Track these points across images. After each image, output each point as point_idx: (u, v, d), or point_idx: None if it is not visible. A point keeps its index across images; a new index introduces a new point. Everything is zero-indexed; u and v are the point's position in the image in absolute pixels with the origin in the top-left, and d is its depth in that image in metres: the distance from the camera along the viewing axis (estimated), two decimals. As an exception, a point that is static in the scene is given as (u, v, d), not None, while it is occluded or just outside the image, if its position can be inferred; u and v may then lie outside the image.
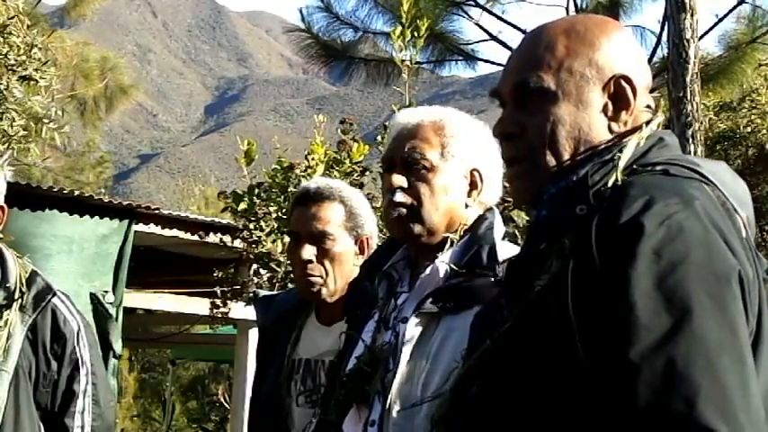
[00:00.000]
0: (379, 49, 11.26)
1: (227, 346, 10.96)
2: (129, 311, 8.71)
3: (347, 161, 5.68)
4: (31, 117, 7.34)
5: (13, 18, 6.91)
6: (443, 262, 2.09)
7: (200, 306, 8.40)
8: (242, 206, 5.71)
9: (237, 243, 6.11)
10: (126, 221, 7.42)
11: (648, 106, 1.52)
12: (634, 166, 1.41)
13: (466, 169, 2.16)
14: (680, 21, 7.17)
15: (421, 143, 2.13)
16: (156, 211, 7.97)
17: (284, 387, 2.60)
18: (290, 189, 5.47)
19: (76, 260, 7.02)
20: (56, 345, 2.73)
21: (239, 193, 5.78)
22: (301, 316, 2.68)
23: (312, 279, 2.57)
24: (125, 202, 7.72)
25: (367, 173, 5.80)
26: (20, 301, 2.69)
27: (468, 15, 10.66)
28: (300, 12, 11.18)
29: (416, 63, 5.87)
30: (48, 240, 6.87)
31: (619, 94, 1.48)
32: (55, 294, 2.75)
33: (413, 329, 2.04)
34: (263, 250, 5.61)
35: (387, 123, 5.70)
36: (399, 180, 2.12)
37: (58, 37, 13.05)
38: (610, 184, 1.39)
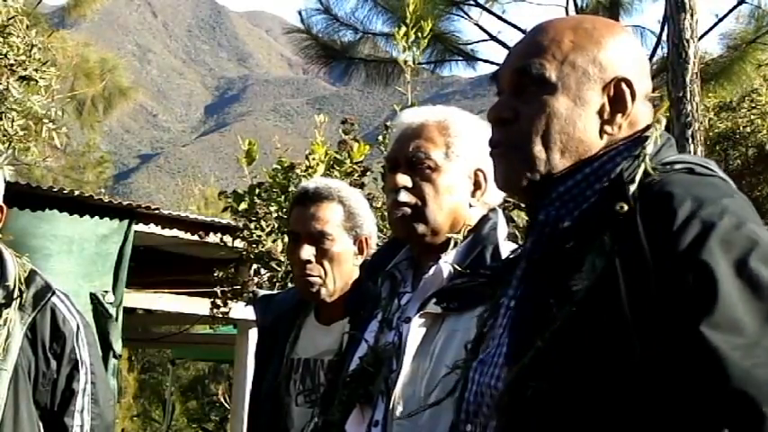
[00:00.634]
0: (378, 49, 11.25)
1: (227, 346, 10.95)
2: (129, 311, 8.71)
3: (348, 161, 5.68)
4: (30, 117, 7.33)
5: (12, 18, 6.91)
6: (447, 262, 2.08)
7: (200, 306, 8.40)
8: (242, 206, 5.71)
9: (237, 243, 6.11)
10: (126, 221, 7.42)
11: (655, 103, 1.52)
12: (653, 164, 1.42)
13: (470, 169, 2.16)
14: (680, 21, 7.17)
15: (425, 143, 2.13)
16: (156, 211, 7.97)
17: (283, 387, 2.60)
18: (291, 189, 5.47)
19: (76, 260, 7.02)
20: (55, 344, 2.73)
21: (239, 192, 5.78)
22: (300, 315, 2.68)
23: (311, 279, 2.57)
24: (125, 202, 7.72)
25: (368, 173, 5.80)
26: (19, 300, 2.69)
27: (468, 15, 10.66)
28: (300, 14, 11.18)
29: (418, 63, 5.86)
30: (48, 240, 6.87)
31: (618, 96, 1.48)
32: (54, 293, 2.75)
33: (416, 330, 2.04)
34: (264, 250, 5.61)
35: (387, 123, 5.70)
36: (403, 180, 2.12)
37: (59, 37, 13.04)
38: (638, 178, 1.39)
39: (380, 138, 5.60)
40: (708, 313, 1.25)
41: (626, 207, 1.35)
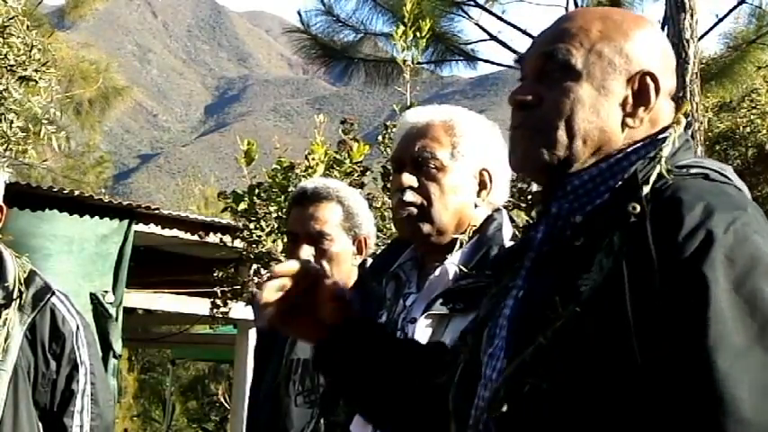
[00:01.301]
0: (378, 49, 11.25)
1: (227, 346, 10.96)
2: (129, 311, 8.71)
3: (347, 161, 5.68)
4: (30, 118, 7.34)
5: (12, 18, 6.91)
6: (453, 263, 2.08)
7: (200, 306, 8.40)
8: (242, 206, 5.72)
9: (237, 243, 6.11)
10: (126, 221, 7.43)
11: (677, 102, 1.52)
12: (669, 166, 1.41)
13: (475, 169, 2.15)
14: (680, 21, 7.16)
15: (431, 143, 2.13)
16: (156, 211, 7.97)
17: (283, 387, 2.60)
18: (291, 189, 5.47)
19: (76, 260, 7.02)
20: (54, 344, 2.73)
21: (239, 193, 5.78)
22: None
23: (310, 279, 2.56)
24: (125, 202, 7.72)
25: (367, 173, 5.80)
26: (19, 300, 2.69)
27: (468, 15, 10.66)
28: (299, 14, 11.17)
29: (418, 63, 5.87)
30: (48, 240, 6.87)
31: (641, 89, 1.47)
32: (54, 294, 2.75)
33: (422, 331, 2.03)
34: (264, 250, 5.61)
35: (387, 123, 5.71)
36: (409, 180, 2.12)
37: (57, 38, 13.05)
38: (652, 179, 1.38)
39: (380, 138, 5.60)
40: (698, 326, 1.25)
41: (638, 208, 1.34)
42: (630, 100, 1.47)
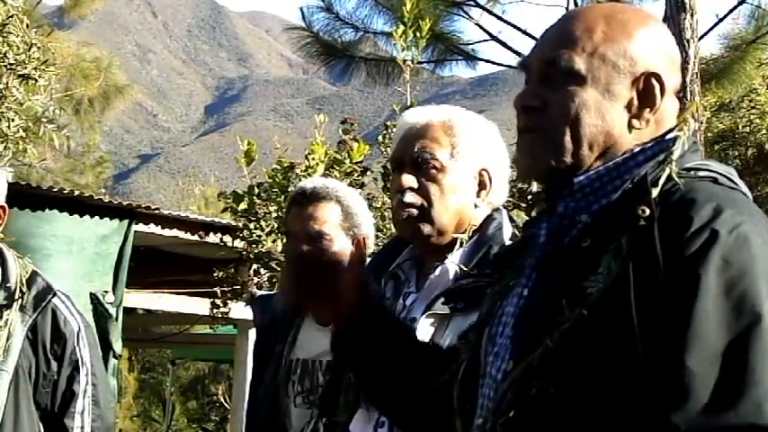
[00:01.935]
0: (379, 48, 11.25)
1: (227, 346, 10.96)
2: (129, 311, 8.71)
3: (347, 161, 5.68)
4: (30, 117, 7.33)
5: (12, 17, 6.91)
6: (453, 262, 2.08)
7: (200, 306, 8.40)
8: (242, 206, 5.72)
9: (237, 243, 6.11)
10: (126, 221, 7.42)
11: (682, 104, 1.52)
12: (677, 169, 1.41)
13: (475, 169, 2.15)
14: (680, 21, 7.16)
15: (431, 143, 2.12)
16: (156, 211, 7.97)
17: (282, 388, 2.60)
18: (291, 189, 5.48)
19: (76, 260, 7.02)
20: (56, 345, 2.72)
21: (239, 193, 5.79)
22: (298, 316, 2.67)
23: (309, 279, 2.56)
24: (125, 202, 7.72)
25: (367, 173, 5.80)
26: (20, 301, 2.68)
27: (469, 15, 10.66)
28: (301, 10, 11.17)
29: (418, 63, 5.87)
30: (48, 240, 6.86)
31: (647, 90, 1.46)
32: (55, 294, 2.75)
33: (423, 330, 2.03)
34: (263, 250, 5.62)
35: (387, 123, 5.71)
36: (409, 180, 2.11)
37: (56, 37, 13.04)
38: (661, 182, 1.38)
39: (380, 138, 5.61)
40: (680, 324, 1.26)
41: (647, 211, 1.34)
42: (636, 102, 1.46)
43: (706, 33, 9.07)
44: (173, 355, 16.08)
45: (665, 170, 1.40)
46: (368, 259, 2.59)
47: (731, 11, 10.54)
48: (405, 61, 5.63)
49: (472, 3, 10.59)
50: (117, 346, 6.88)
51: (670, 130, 1.47)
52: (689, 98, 6.99)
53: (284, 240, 5.35)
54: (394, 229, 5.25)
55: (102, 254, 7.26)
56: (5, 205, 2.77)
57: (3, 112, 6.84)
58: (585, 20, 1.49)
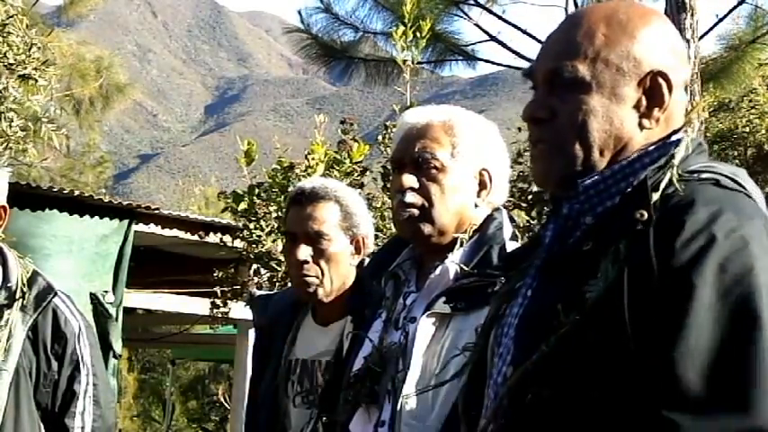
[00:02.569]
0: (378, 49, 11.24)
1: (227, 346, 10.95)
2: (129, 311, 8.71)
3: (347, 161, 5.68)
4: (30, 117, 7.34)
5: (12, 17, 6.91)
6: (453, 262, 2.08)
7: (200, 306, 8.40)
8: (242, 206, 5.72)
9: (237, 243, 6.11)
10: (126, 221, 7.42)
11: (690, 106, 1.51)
12: (679, 172, 1.40)
13: (475, 169, 2.16)
14: (680, 21, 7.17)
15: (431, 143, 2.13)
16: (156, 211, 7.97)
17: (281, 387, 2.60)
18: (291, 189, 5.48)
19: (76, 260, 7.02)
20: (56, 345, 2.72)
21: (239, 193, 5.79)
22: (298, 316, 2.67)
23: (308, 279, 2.56)
24: (125, 202, 7.72)
25: (367, 173, 5.80)
26: (21, 300, 2.69)
27: (468, 16, 10.66)
28: (299, 13, 11.17)
29: (417, 63, 5.87)
30: (48, 240, 6.87)
31: (654, 90, 1.45)
32: (56, 294, 2.75)
33: (425, 329, 2.03)
34: (264, 250, 5.61)
35: (387, 123, 5.71)
36: (410, 180, 2.12)
37: (56, 37, 13.03)
38: (662, 186, 1.37)
39: (380, 138, 5.61)
40: (674, 332, 1.26)
41: (645, 215, 1.34)
42: (644, 102, 1.45)
43: (706, 33, 9.07)
44: (173, 355, 16.08)
45: (666, 174, 1.39)
46: (367, 259, 2.60)
47: (731, 11, 10.54)
48: (404, 61, 5.63)
49: (472, 2, 10.59)
50: (117, 346, 6.88)
51: (676, 131, 1.47)
52: (690, 99, 6.99)
53: (284, 240, 5.36)
54: (394, 229, 5.25)
55: (102, 254, 7.26)
56: (6, 205, 2.77)
57: (2, 112, 6.84)
58: (585, 24, 1.48)
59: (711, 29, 10.04)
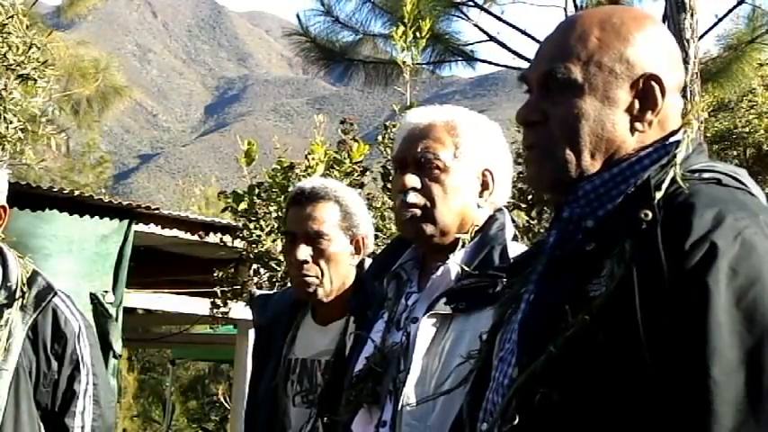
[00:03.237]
0: (378, 50, 11.25)
1: (227, 346, 10.96)
2: (129, 311, 8.71)
3: (347, 161, 5.69)
4: (29, 118, 7.34)
5: (11, 18, 6.91)
6: (455, 263, 2.09)
7: (200, 306, 8.41)
8: (242, 206, 5.73)
9: (237, 243, 6.12)
10: (126, 221, 7.42)
11: (685, 107, 1.51)
12: (681, 171, 1.40)
13: (478, 169, 2.16)
14: (680, 21, 7.17)
15: (434, 143, 2.13)
16: (156, 211, 7.97)
17: (281, 387, 2.60)
18: (291, 189, 5.48)
19: (76, 260, 7.02)
20: (56, 344, 2.73)
21: (239, 192, 5.79)
22: (297, 316, 2.68)
23: (308, 279, 2.57)
24: (125, 202, 7.72)
25: (367, 173, 5.81)
26: (21, 300, 2.69)
27: (467, 16, 10.66)
28: (298, 17, 11.17)
29: (417, 64, 5.87)
30: (48, 240, 6.87)
31: (647, 93, 1.45)
32: (56, 294, 2.75)
33: (425, 330, 2.03)
34: (263, 250, 5.62)
35: (387, 123, 5.72)
36: (412, 181, 2.12)
37: (57, 37, 13.02)
38: (665, 185, 1.37)
39: (380, 138, 5.61)
40: (697, 338, 1.26)
41: (650, 215, 1.34)
42: (637, 105, 1.45)
43: (705, 33, 9.08)
44: (173, 355, 16.07)
45: (668, 173, 1.39)
46: (367, 259, 2.61)
47: (730, 11, 10.55)
48: (404, 62, 5.64)
49: (471, 3, 10.60)
50: (117, 346, 6.89)
51: (674, 132, 1.46)
52: (689, 98, 6.99)
53: (284, 240, 5.36)
54: (394, 229, 5.26)
55: (102, 254, 7.26)
56: (6, 205, 2.77)
57: (1, 113, 6.84)
58: (579, 28, 1.49)
59: (711, 29, 10.05)
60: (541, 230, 5.93)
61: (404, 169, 2.15)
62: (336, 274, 2.57)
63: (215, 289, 6.21)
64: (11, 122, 6.79)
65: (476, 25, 10.62)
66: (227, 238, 6.43)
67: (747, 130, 12.61)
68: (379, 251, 2.55)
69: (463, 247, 2.12)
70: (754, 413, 1.23)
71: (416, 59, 5.79)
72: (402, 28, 5.62)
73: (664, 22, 7.49)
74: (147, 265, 8.59)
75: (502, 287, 1.68)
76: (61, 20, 17.29)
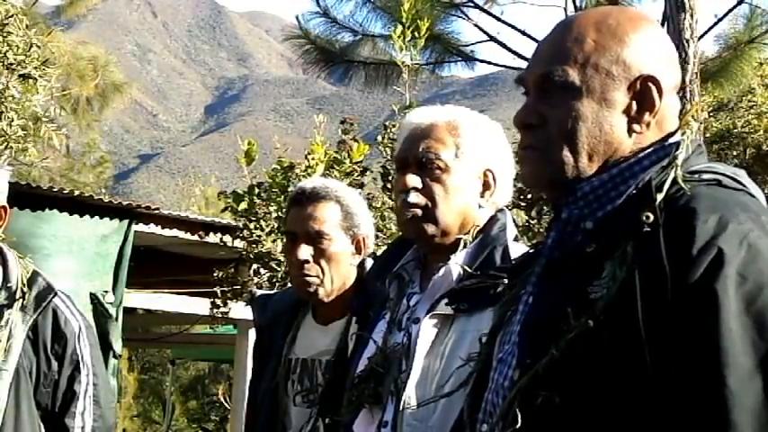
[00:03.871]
0: (377, 51, 11.25)
1: (227, 346, 10.96)
2: (129, 311, 8.71)
3: (347, 161, 5.69)
4: (30, 117, 7.34)
5: (12, 17, 6.91)
6: (457, 263, 2.09)
7: (200, 306, 8.41)
8: (242, 206, 5.73)
9: (237, 243, 6.12)
10: (126, 221, 7.43)
11: (682, 104, 1.51)
12: (682, 172, 1.40)
13: (479, 170, 2.16)
14: (679, 21, 7.17)
15: (435, 143, 2.13)
16: (156, 211, 7.97)
17: (281, 387, 2.60)
18: (291, 189, 5.48)
19: (76, 260, 7.02)
20: (56, 345, 2.73)
21: (239, 192, 5.80)
22: (298, 315, 2.68)
23: (309, 279, 2.57)
24: (125, 202, 7.72)
25: (367, 173, 5.81)
26: (21, 300, 2.69)
27: (467, 16, 10.67)
28: (297, 19, 11.18)
29: (416, 64, 5.87)
30: (48, 240, 6.87)
31: (644, 94, 1.45)
32: (56, 294, 2.75)
33: (427, 331, 2.04)
34: (263, 250, 5.62)
35: (387, 123, 5.72)
36: (413, 181, 2.12)
37: (57, 37, 13.02)
38: (666, 187, 1.37)
39: (380, 138, 5.61)
40: (710, 346, 1.25)
41: (651, 217, 1.34)
42: (634, 106, 1.45)
43: (705, 33, 9.08)
44: (173, 355, 16.07)
45: (669, 174, 1.39)
46: (368, 259, 2.61)
47: (730, 11, 10.55)
48: (403, 62, 5.64)
49: (470, 3, 10.60)
50: (117, 346, 6.89)
51: (673, 133, 1.46)
52: (689, 98, 6.99)
53: (284, 240, 5.36)
54: (394, 229, 5.27)
55: (102, 254, 7.27)
56: (6, 205, 2.78)
57: (2, 112, 6.85)
58: (575, 30, 1.48)
59: (710, 29, 10.05)
60: (541, 230, 5.93)
61: (405, 169, 2.15)
62: (337, 273, 2.57)
63: (215, 289, 6.21)
64: (12, 120, 6.79)
65: (476, 25, 10.63)
66: (227, 238, 6.43)
67: (747, 130, 12.61)
68: (381, 251, 2.56)
69: (464, 247, 2.12)
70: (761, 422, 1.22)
71: (415, 60, 5.79)
72: (400, 28, 5.62)
73: (663, 22, 7.50)
74: (147, 265, 8.59)
75: (503, 288, 1.68)
76: (61, 20, 17.28)
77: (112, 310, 7.05)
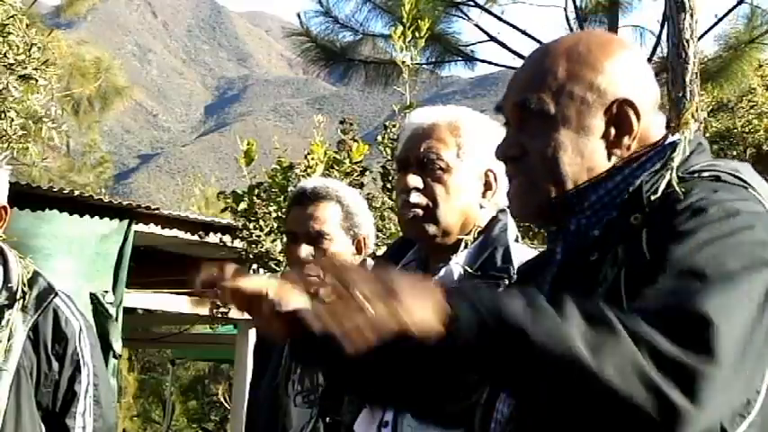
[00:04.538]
0: (378, 50, 11.26)
1: (227, 346, 10.96)
2: (129, 311, 8.71)
3: (347, 161, 5.69)
4: (30, 117, 7.35)
5: (12, 17, 6.92)
6: (458, 263, 2.08)
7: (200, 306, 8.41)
8: (242, 206, 5.73)
9: (237, 243, 6.12)
10: (126, 221, 7.43)
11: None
12: (679, 174, 1.40)
13: (481, 170, 2.16)
14: (679, 21, 7.17)
15: (437, 143, 2.13)
16: (156, 211, 7.98)
17: (282, 387, 2.60)
18: (290, 189, 5.48)
19: (76, 260, 7.02)
20: (57, 345, 2.73)
21: (239, 193, 5.80)
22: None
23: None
24: (125, 202, 7.73)
25: (367, 173, 5.81)
26: (22, 301, 2.69)
27: (467, 16, 10.67)
28: (299, 16, 11.18)
29: (416, 63, 5.87)
30: (48, 240, 6.87)
31: (621, 118, 1.45)
32: (57, 295, 2.75)
33: None
34: (263, 250, 5.62)
35: (387, 123, 5.72)
36: (415, 181, 2.12)
37: (57, 37, 13.03)
38: (661, 189, 1.38)
39: (380, 138, 5.62)
40: (693, 246, 1.27)
41: (640, 218, 1.35)
42: (612, 131, 1.45)
43: (705, 33, 9.08)
44: (173, 355, 16.08)
45: (664, 177, 1.39)
46: (368, 259, 2.61)
47: (730, 11, 10.56)
48: (403, 62, 5.64)
49: (471, 3, 10.61)
50: (117, 346, 6.88)
51: (671, 134, 1.47)
52: (689, 98, 6.99)
53: (284, 240, 5.36)
54: (394, 230, 5.25)
55: (102, 254, 7.27)
56: (6, 205, 2.77)
57: (3, 112, 6.85)
58: (548, 59, 1.49)
59: (710, 29, 10.06)
60: (541, 230, 5.92)
61: (407, 169, 2.15)
62: (337, 273, 2.57)
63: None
64: (12, 120, 6.79)
65: (476, 25, 10.64)
66: (227, 238, 6.43)
67: (747, 129, 12.62)
68: (381, 251, 2.55)
69: (466, 247, 2.12)
70: (686, 298, 1.22)
71: (416, 59, 5.79)
72: (401, 28, 5.62)
73: (663, 22, 7.50)
74: (147, 265, 8.59)
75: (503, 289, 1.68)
76: (61, 20, 17.29)
77: (112, 310, 7.05)
